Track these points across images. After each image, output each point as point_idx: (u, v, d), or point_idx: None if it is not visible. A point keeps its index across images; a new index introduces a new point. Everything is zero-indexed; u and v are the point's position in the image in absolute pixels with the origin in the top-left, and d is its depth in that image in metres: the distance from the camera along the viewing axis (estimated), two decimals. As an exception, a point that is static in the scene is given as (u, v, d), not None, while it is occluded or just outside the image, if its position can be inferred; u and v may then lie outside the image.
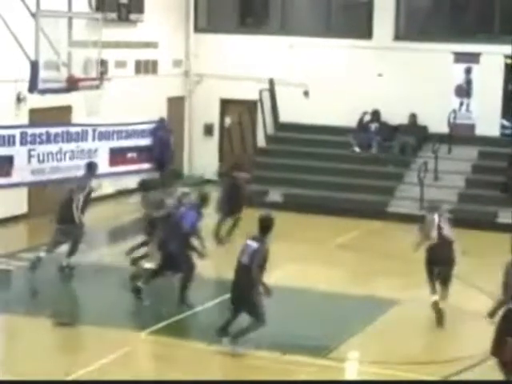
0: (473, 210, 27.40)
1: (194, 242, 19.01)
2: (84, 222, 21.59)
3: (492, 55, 29.94)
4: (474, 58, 30.20)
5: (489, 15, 30.71)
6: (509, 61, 29.86)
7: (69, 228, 21.24)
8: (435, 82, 29.99)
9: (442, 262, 18.16)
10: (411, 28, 31.65)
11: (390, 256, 23.10)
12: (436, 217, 18.53)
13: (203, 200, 19.09)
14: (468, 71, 30.34)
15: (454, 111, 30.25)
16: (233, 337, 15.71)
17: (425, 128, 30.58)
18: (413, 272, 20.55)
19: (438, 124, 30.20)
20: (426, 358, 16.49)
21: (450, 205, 26.74)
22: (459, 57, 30.30)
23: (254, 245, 15.60)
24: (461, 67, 30.36)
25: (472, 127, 30.53)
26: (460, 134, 30.10)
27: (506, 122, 30.28)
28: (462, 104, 30.50)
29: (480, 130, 30.42)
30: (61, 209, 21.18)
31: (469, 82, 30.38)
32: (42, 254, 20.96)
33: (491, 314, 14.63)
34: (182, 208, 19.58)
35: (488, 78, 29.98)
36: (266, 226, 15.79)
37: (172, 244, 18.62)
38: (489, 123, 30.27)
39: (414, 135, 30.27)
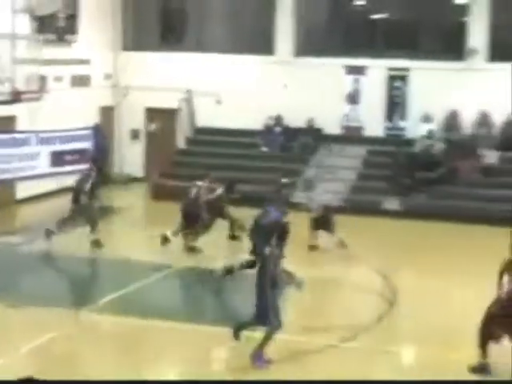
0: (362, 199, 27.97)
1: None
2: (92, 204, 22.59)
3: (376, 68, 30.84)
4: (361, 70, 31.01)
5: (374, 34, 31.46)
6: (391, 73, 30.88)
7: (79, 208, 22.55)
8: (329, 91, 30.53)
9: None
10: (308, 45, 31.96)
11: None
12: None
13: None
14: (357, 81, 31.06)
15: (346, 115, 31.09)
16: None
17: (320, 130, 31.09)
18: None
19: (332, 126, 30.99)
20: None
21: (343, 195, 27.99)
22: (349, 70, 31.07)
23: None
24: (350, 78, 31.09)
25: (360, 129, 31.25)
26: (351, 135, 31.07)
27: (389, 124, 31.15)
28: (352, 109, 31.13)
29: (367, 132, 31.21)
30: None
31: (357, 91, 31.06)
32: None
33: None
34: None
35: (373, 87, 30.77)
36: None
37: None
38: (374, 125, 31.10)
39: (312, 136, 30.82)
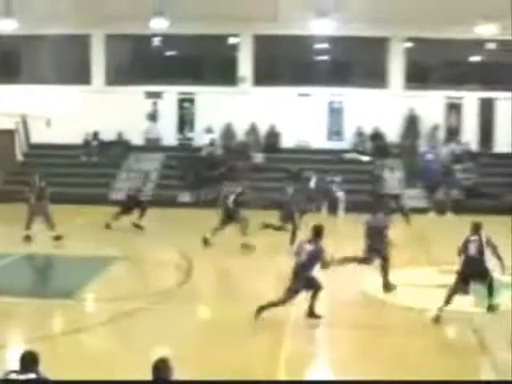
0: (163, 194, 29.12)
1: None
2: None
3: (170, 93, 32.33)
4: (158, 95, 32.41)
5: (168, 66, 32.58)
6: (181, 96, 32.63)
7: None
8: (134, 111, 31.60)
9: None
10: (117, 76, 32.85)
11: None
12: None
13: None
14: (155, 104, 32.40)
15: (147, 130, 32.26)
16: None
17: (128, 142, 32.09)
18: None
19: (137, 139, 32.23)
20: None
21: (150, 191, 29.03)
22: (149, 94, 32.36)
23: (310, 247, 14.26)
24: (150, 101, 32.43)
25: (159, 140, 32.55)
26: (152, 145, 32.37)
27: (180, 136, 32.91)
28: (151, 125, 32.39)
29: (164, 142, 32.56)
30: None
31: (156, 111, 32.45)
32: None
33: None
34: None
35: (168, 108, 32.20)
36: (317, 233, 14.47)
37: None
38: (169, 137, 32.58)
39: (122, 147, 31.83)
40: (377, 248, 16.56)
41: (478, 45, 32.00)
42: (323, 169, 29.40)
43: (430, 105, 31.58)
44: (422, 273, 18.43)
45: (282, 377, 11.27)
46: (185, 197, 29.26)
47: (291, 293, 13.98)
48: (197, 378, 9.82)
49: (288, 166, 29.44)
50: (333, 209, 27.93)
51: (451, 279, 16.97)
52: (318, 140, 32.03)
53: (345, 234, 23.46)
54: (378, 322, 14.53)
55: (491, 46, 32.30)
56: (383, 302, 16.00)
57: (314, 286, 14.19)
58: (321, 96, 32.09)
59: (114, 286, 17.20)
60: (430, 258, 20.11)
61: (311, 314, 14.26)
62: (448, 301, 14.36)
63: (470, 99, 32.13)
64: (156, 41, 33.38)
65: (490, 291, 14.64)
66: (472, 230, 14.79)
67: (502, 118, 31.56)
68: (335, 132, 32.43)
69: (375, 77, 32.35)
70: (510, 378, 10.85)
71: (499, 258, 14.55)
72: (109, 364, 11.32)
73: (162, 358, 8.17)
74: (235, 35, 32.49)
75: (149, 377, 7.96)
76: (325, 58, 33.22)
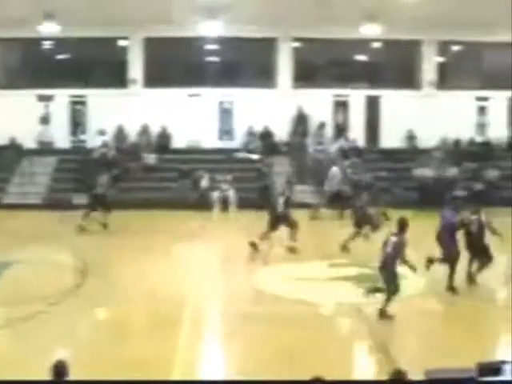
0: (57, 197, 28.68)
1: None
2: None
3: (61, 96, 31.95)
4: (50, 98, 32.04)
5: (59, 70, 32.25)
6: (73, 99, 32.33)
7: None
8: (26, 114, 30.97)
9: None
10: (9, 80, 32.24)
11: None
12: None
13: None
14: (47, 107, 32.01)
15: (40, 133, 31.85)
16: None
17: (21, 146, 31.22)
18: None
19: (30, 142, 31.58)
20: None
21: (42, 195, 29.01)
22: (40, 97, 31.98)
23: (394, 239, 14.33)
24: (42, 104, 31.98)
25: (51, 143, 32.27)
26: (44, 148, 31.86)
27: (73, 138, 32.64)
28: (44, 128, 32.03)
29: (57, 145, 32.23)
30: None
31: (48, 114, 32.07)
32: None
33: None
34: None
35: (60, 111, 31.83)
36: (402, 225, 14.49)
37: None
38: (62, 140, 32.20)
39: (14, 151, 30.97)
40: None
41: (363, 44, 32.84)
42: (214, 168, 29.79)
43: (318, 103, 32.31)
44: (312, 267, 18.85)
45: (177, 374, 11.39)
46: (79, 199, 28.35)
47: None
48: (95, 378, 9.91)
49: (180, 166, 29.89)
50: (224, 206, 28.37)
51: (341, 272, 17.69)
52: (209, 140, 32.36)
53: (238, 231, 23.98)
54: (271, 315, 14.81)
55: (376, 45, 33.25)
56: (276, 296, 16.34)
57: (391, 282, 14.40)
58: (211, 96, 32.45)
59: (10, 290, 16.93)
60: (320, 252, 20.59)
61: (382, 314, 14.39)
62: None
63: (357, 97, 33.04)
64: (47, 44, 33.00)
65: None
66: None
67: (387, 115, 32.58)
68: (226, 132, 32.85)
69: (264, 77, 32.89)
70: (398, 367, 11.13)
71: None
72: (6, 366, 11.25)
73: (59, 360, 8.34)
74: (125, 38, 32.44)
75: (46, 378, 8.08)
76: (215, 59, 33.54)
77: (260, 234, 20.27)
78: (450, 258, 16.30)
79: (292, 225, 20.47)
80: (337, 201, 27.00)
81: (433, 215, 23.33)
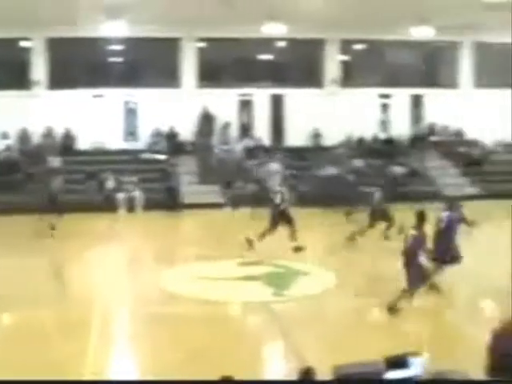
0: None
1: None
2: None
3: None
4: None
5: None
6: None
7: None
8: None
9: None
10: None
11: None
12: None
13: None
14: None
15: None
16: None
17: None
18: None
19: None
20: None
21: None
22: None
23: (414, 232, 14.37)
24: None
25: None
26: None
27: None
28: None
29: None
30: None
31: None
32: None
33: None
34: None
35: None
36: (420, 217, 14.52)
37: None
38: None
39: None
40: None
41: (267, 43, 33.00)
42: (120, 169, 29.47)
43: (223, 102, 32.30)
44: (221, 266, 18.79)
45: (88, 374, 11.19)
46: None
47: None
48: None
49: (85, 167, 29.53)
50: (130, 207, 28.10)
51: (251, 271, 17.73)
52: (115, 141, 31.96)
53: (144, 232, 23.85)
54: (180, 316, 14.72)
55: (280, 44, 33.46)
56: (184, 296, 16.24)
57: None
58: (116, 97, 32.10)
59: None
60: (228, 252, 20.52)
61: (391, 309, 14.29)
62: None
63: (262, 96, 33.17)
64: None
65: None
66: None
67: (292, 114, 32.81)
68: (131, 132, 32.54)
69: (169, 77, 32.73)
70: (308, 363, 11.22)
71: None
72: None
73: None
74: (27, 39, 31.76)
75: None
76: (119, 59, 33.20)
77: (260, 232, 20.10)
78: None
79: (291, 222, 20.23)
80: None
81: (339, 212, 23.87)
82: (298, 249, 19.90)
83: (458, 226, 16.29)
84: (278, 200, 20.32)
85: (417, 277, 14.42)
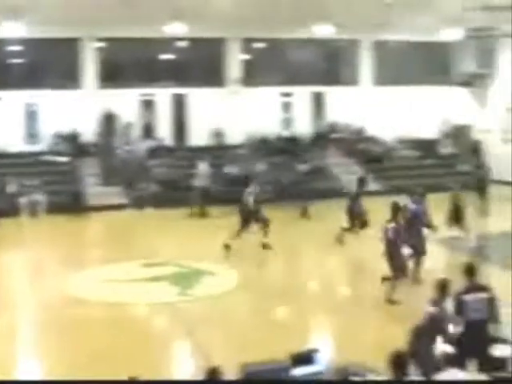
0: None
1: None
2: None
3: None
4: None
5: None
6: None
7: None
8: None
9: None
10: None
11: None
12: None
13: None
14: None
15: None
16: None
17: None
18: None
19: None
20: None
21: None
22: None
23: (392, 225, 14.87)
24: None
25: None
26: None
27: None
28: None
29: None
30: None
31: None
32: None
33: None
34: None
35: None
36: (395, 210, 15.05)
37: None
38: None
39: None
40: None
41: (169, 43, 32.91)
42: (22, 172, 28.88)
43: (125, 103, 32.02)
44: (125, 268, 18.68)
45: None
46: None
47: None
48: None
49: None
50: (33, 211, 27.55)
51: (156, 272, 17.71)
52: (15, 143, 31.18)
53: (48, 236, 23.50)
54: (86, 319, 14.59)
55: (182, 43, 33.39)
56: (90, 299, 16.11)
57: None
58: (16, 99, 31.39)
59: None
60: (133, 253, 20.43)
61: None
62: None
63: (163, 96, 33.04)
64: None
65: None
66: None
67: (195, 113, 32.80)
68: (32, 135, 31.89)
69: (69, 78, 32.21)
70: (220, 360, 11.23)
71: None
72: None
73: None
74: None
75: None
76: (19, 60, 32.47)
77: (231, 233, 20.01)
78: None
79: (264, 221, 20.30)
80: (207, 197, 26.85)
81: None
82: (265, 246, 20.14)
83: (424, 218, 16.96)
84: (247, 199, 20.36)
85: (400, 267, 14.99)
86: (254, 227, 20.64)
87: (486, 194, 24.19)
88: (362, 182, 21.39)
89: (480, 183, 24.97)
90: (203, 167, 27.83)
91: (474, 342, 9.64)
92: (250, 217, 20.18)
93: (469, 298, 10.38)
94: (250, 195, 20.49)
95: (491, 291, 10.52)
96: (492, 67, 33.90)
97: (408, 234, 15.80)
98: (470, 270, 10.63)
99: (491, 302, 10.40)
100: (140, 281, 17.38)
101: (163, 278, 17.36)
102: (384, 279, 15.60)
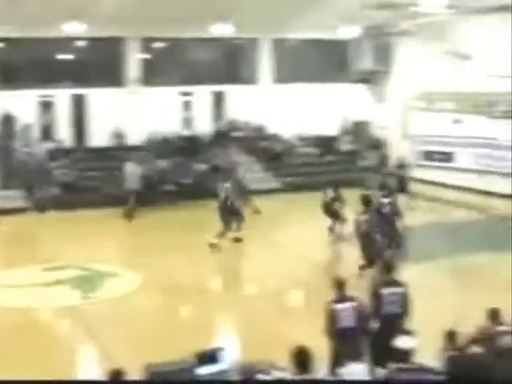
0: None
1: None
2: None
3: None
4: None
5: None
6: None
7: None
8: None
9: None
10: None
11: None
12: None
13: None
14: None
15: None
16: None
17: None
18: None
19: None
20: None
21: None
22: None
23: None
24: None
25: None
26: None
27: None
28: None
29: None
30: None
31: None
32: None
33: None
34: None
35: None
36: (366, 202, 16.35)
37: None
38: None
39: None
40: None
41: (67, 43, 32.44)
42: None
43: (23, 104, 31.40)
44: (26, 272, 18.38)
45: None
46: None
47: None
48: None
49: None
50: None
51: (57, 276, 17.48)
52: None
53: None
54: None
55: (80, 43, 32.98)
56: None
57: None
58: None
59: None
60: (34, 257, 20.09)
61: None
62: None
63: (62, 97, 32.54)
64: None
65: None
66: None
67: (94, 114, 32.44)
68: None
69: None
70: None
71: None
72: None
73: None
74: None
75: None
76: None
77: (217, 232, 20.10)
78: None
79: (240, 217, 20.93)
80: (142, 197, 26.56)
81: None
82: (237, 240, 20.73)
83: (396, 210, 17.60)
84: (223, 196, 20.67)
85: (375, 253, 15.77)
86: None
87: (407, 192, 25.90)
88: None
89: (400, 183, 26.41)
90: (131, 167, 27.48)
91: (388, 335, 9.88)
92: (229, 213, 20.53)
93: (385, 291, 10.78)
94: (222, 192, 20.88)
95: (406, 286, 10.93)
96: (388, 64, 34.70)
97: (381, 224, 16.62)
98: (387, 268, 11.27)
99: (405, 297, 10.82)
100: (42, 285, 17.15)
101: (65, 282, 17.16)
102: (361, 268, 16.41)
